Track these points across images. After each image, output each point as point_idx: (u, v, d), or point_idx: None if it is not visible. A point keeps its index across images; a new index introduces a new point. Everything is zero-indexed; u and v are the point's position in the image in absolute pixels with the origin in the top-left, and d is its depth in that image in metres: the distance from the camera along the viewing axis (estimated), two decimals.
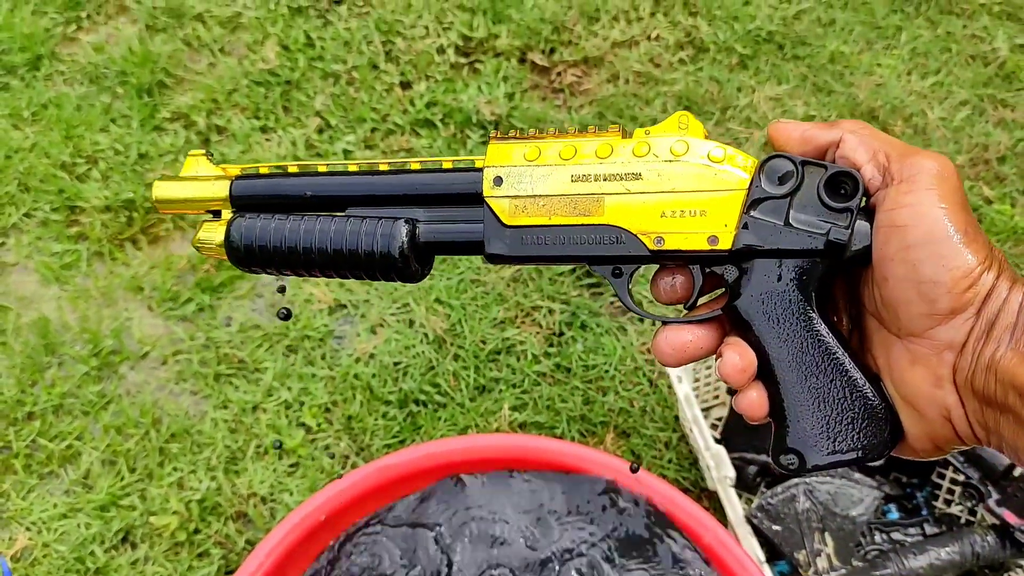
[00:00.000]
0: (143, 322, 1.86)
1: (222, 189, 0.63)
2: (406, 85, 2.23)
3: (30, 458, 1.67)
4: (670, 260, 0.56)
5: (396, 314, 1.86)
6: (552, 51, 2.29)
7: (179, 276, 1.92)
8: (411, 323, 1.85)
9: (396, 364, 1.79)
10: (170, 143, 2.10)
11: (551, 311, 1.84)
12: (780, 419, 0.53)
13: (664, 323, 0.57)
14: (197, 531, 1.58)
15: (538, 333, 1.83)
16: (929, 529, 1.49)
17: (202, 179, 0.64)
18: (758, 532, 1.43)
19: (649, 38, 2.32)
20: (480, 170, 0.57)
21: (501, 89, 2.20)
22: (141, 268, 1.92)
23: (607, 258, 0.55)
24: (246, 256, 0.62)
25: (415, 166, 0.60)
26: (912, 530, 1.49)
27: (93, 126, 2.11)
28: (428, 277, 0.57)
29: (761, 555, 1.39)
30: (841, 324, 0.56)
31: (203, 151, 0.67)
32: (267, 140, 2.12)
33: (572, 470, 1.34)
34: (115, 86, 2.20)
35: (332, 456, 1.67)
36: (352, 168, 0.61)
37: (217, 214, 0.64)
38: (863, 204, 0.52)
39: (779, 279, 0.52)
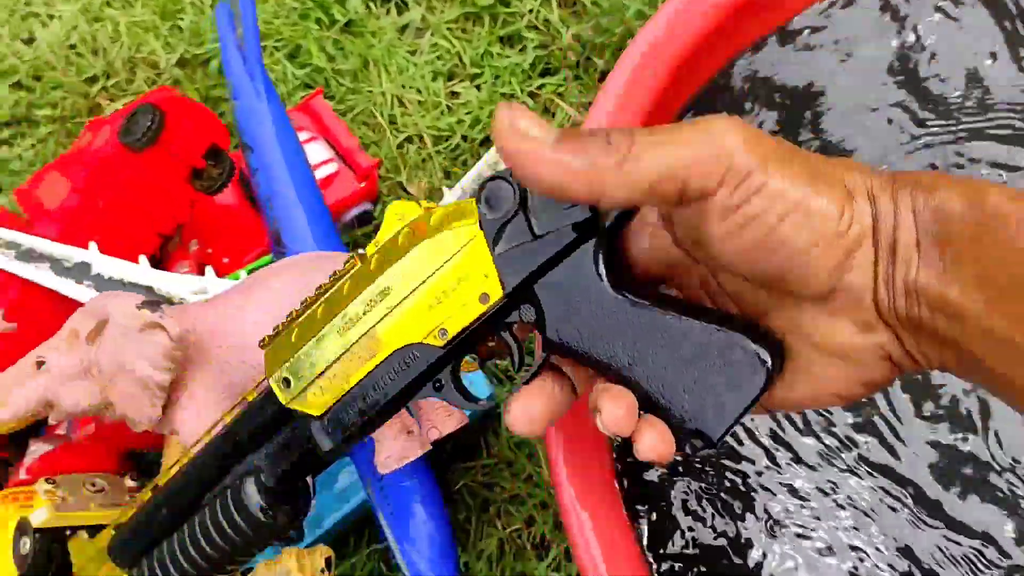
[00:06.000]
0: None
1: (103, 553, 0.62)
2: None
3: None
4: (466, 344, 0.51)
5: None
6: None
7: None
8: None
9: None
10: None
11: None
12: (660, 412, 0.48)
13: (507, 400, 0.51)
14: None
15: None
16: None
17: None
18: None
19: None
20: (269, 386, 0.53)
21: None
22: None
23: (417, 382, 0.52)
24: None
25: (227, 419, 0.58)
26: None
27: None
28: None
29: None
30: (674, 282, 0.51)
31: None
32: None
33: None
34: None
35: None
36: (180, 463, 0.59)
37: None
38: None
39: (567, 287, 0.48)
